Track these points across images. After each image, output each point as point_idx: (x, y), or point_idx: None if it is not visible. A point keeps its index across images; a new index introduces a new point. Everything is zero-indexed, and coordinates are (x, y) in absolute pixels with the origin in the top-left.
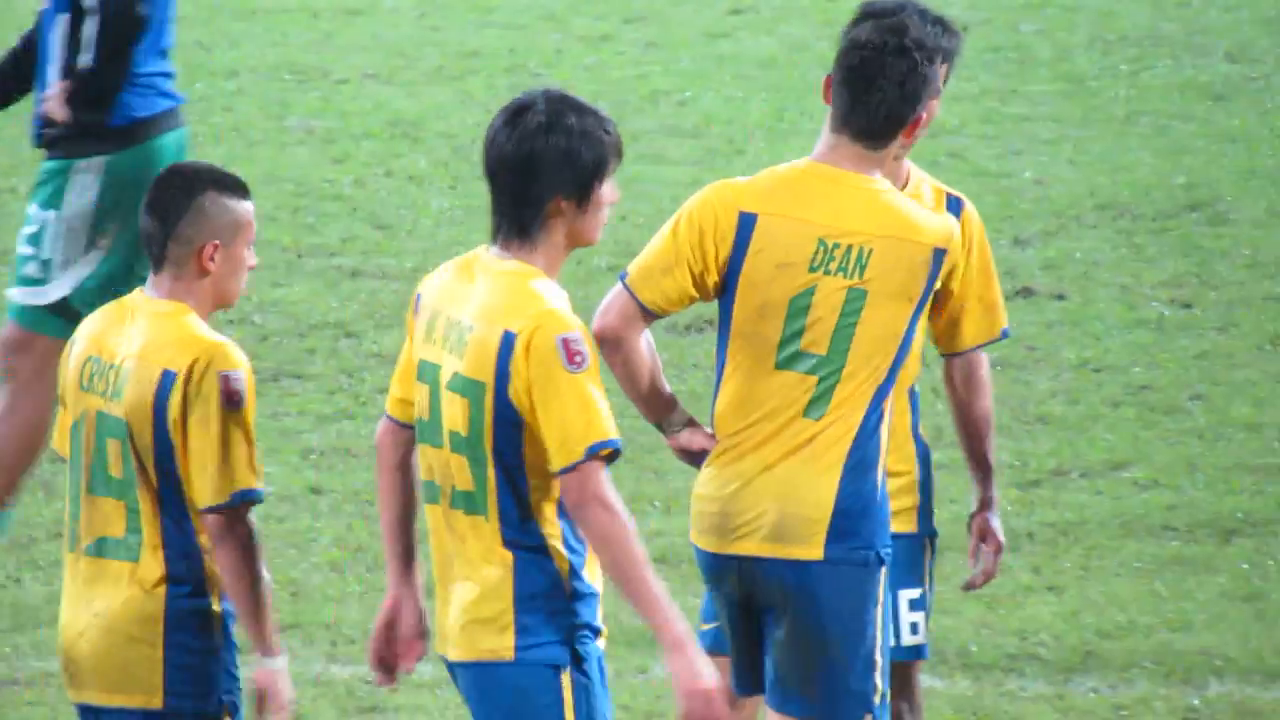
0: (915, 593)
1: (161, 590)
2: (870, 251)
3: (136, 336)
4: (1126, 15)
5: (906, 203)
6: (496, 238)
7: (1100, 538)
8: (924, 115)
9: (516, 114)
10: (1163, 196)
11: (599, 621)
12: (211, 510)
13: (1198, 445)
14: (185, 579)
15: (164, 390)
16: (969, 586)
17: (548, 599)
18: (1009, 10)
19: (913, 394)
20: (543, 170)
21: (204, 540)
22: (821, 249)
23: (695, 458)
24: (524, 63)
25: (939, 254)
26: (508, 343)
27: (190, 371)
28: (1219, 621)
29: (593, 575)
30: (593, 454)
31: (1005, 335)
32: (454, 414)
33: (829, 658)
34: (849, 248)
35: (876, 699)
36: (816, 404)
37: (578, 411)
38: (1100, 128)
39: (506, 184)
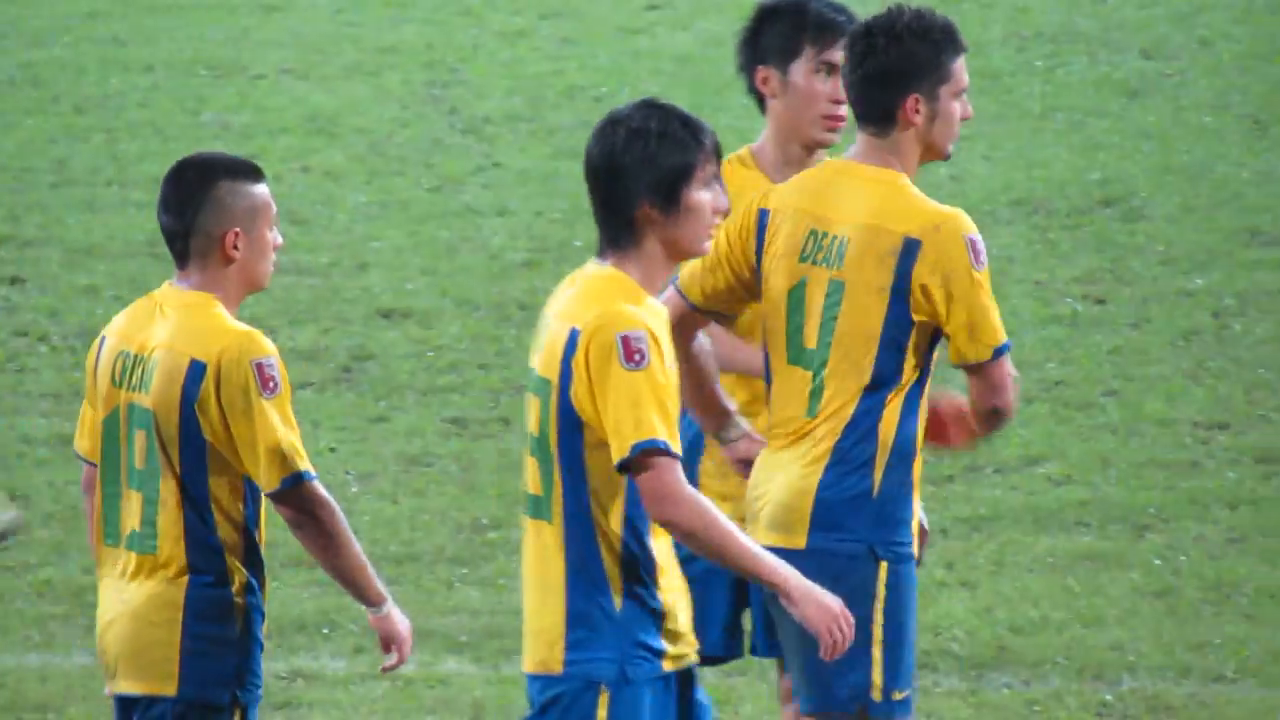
0: None
1: (183, 580)
2: (848, 241)
3: (166, 328)
4: (1042, 11)
5: (897, 191)
6: (598, 248)
7: (1013, 533)
8: (914, 100)
9: (608, 124)
10: (1077, 192)
11: (666, 642)
12: (275, 496)
13: (1111, 441)
14: (206, 570)
15: (193, 380)
16: None
17: (599, 614)
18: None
19: None
20: (625, 177)
21: (228, 534)
22: (811, 239)
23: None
24: (441, 58)
25: (910, 243)
26: (572, 340)
27: (220, 361)
28: (1131, 617)
29: (667, 590)
30: (639, 451)
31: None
32: (530, 415)
33: (815, 647)
34: (833, 238)
35: (875, 695)
36: (812, 400)
37: (628, 408)
38: (1015, 124)
39: (597, 193)
